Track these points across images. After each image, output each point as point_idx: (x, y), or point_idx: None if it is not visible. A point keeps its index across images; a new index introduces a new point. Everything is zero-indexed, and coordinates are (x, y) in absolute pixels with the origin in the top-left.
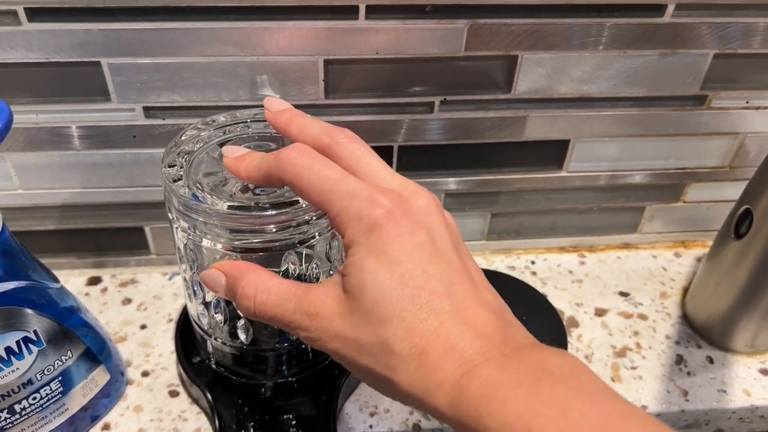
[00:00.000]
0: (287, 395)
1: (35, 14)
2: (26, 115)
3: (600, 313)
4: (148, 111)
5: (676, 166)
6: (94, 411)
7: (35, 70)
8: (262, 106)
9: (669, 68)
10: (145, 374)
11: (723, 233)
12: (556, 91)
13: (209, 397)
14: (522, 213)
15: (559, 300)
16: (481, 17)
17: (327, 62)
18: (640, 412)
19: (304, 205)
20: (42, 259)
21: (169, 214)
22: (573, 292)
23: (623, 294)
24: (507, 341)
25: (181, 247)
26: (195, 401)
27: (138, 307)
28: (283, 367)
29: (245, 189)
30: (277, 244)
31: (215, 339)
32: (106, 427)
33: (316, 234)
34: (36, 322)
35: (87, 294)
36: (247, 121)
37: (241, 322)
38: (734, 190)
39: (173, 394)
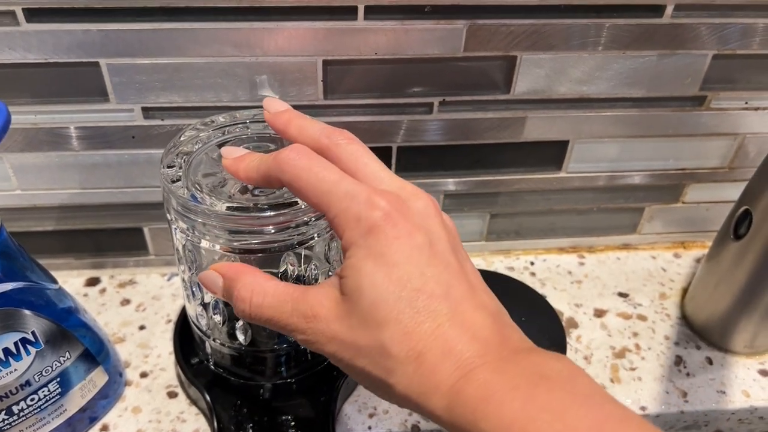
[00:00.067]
0: (286, 396)
1: (34, 15)
2: (25, 116)
3: (599, 313)
4: (147, 111)
5: (675, 166)
6: (92, 412)
7: (34, 71)
8: (261, 106)
9: (668, 69)
10: (143, 375)
11: (722, 234)
12: (555, 91)
13: (208, 398)
14: (521, 214)
15: (558, 301)
16: (480, 18)
17: (326, 63)
18: (637, 417)
19: (303, 207)
20: (40, 259)
21: (168, 215)
22: (572, 293)
23: (622, 295)
24: (504, 344)
25: (180, 248)
26: (194, 402)
27: (137, 308)
28: (282, 369)
29: (244, 190)
30: (275, 245)
31: (214, 340)
32: (105, 428)
33: (315, 235)
34: (34, 323)
35: (85, 295)
36: (246, 122)
37: (240, 323)
38: (733, 191)
39: (172, 395)
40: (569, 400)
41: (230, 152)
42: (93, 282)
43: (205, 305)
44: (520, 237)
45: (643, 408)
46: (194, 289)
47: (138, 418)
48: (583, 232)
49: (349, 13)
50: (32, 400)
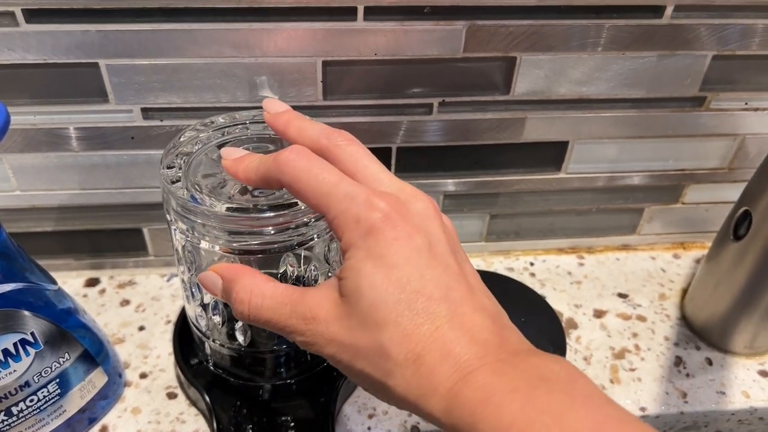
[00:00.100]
0: (285, 397)
1: (33, 15)
2: (24, 117)
3: (599, 314)
4: (146, 112)
5: (675, 167)
6: (91, 413)
7: (33, 72)
8: (260, 107)
9: (668, 69)
10: (143, 376)
11: (722, 235)
12: (554, 92)
13: (207, 398)
14: (521, 214)
15: (557, 301)
16: (479, 18)
17: (325, 63)
18: (636, 419)
19: (302, 207)
20: (40, 260)
21: (168, 216)
22: (572, 294)
23: (622, 295)
24: (503, 346)
25: (180, 248)
26: (193, 403)
27: (136, 309)
28: (282, 369)
29: (244, 191)
30: (275, 246)
31: (213, 341)
32: (104, 429)
33: (315, 236)
34: (33, 324)
35: (85, 295)
36: (246, 123)
37: (239, 324)
38: (733, 192)
39: (171, 395)
40: (568, 402)
41: (230, 153)
42: (92, 283)
43: (204, 306)
44: (520, 238)
45: (642, 409)
46: (194, 289)
47: (137, 419)
48: (582, 233)
49: (349, 13)
50: (31, 401)
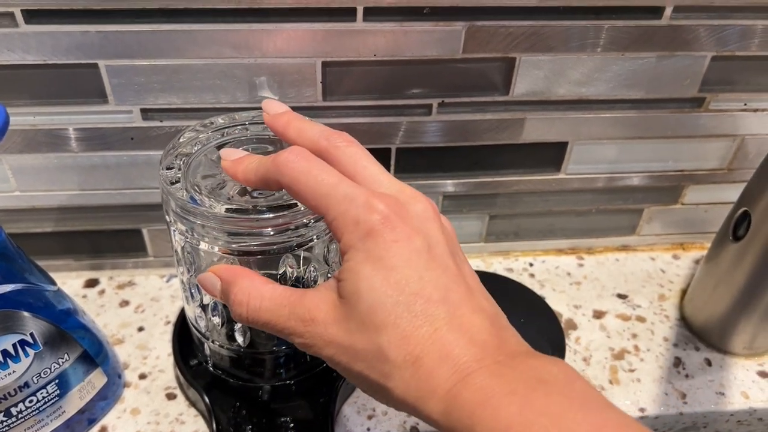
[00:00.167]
0: (285, 398)
1: (33, 16)
2: (23, 117)
3: (598, 315)
4: (146, 113)
5: (674, 168)
6: (91, 414)
7: (32, 72)
8: (260, 108)
9: (667, 70)
10: (142, 377)
11: (721, 235)
12: (554, 93)
13: (207, 399)
14: (520, 215)
15: (557, 302)
16: (478, 19)
17: (325, 64)
18: (634, 422)
19: (302, 209)
20: (39, 261)
21: (167, 217)
22: (571, 294)
23: (621, 296)
24: (501, 348)
25: (179, 249)
26: (192, 404)
27: (135, 310)
28: (281, 370)
29: (243, 192)
30: (274, 247)
31: (213, 342)
32: (103, 430)
33: (314, 237)
34: (32, 325)
35: (84, 296)
36: (245, 124)
37: (239, 325)
38: (732, 192)
39: (170, 396)
40: (566, 405)
41: (229, 154)
42: (92, 283)
43: (204, 307)
44: (519, 238)
45: (642, 409)
46: (193, 290)
47: (137, 420)
48: (582, 234)
49: (348, 14)
50: (31, 401)
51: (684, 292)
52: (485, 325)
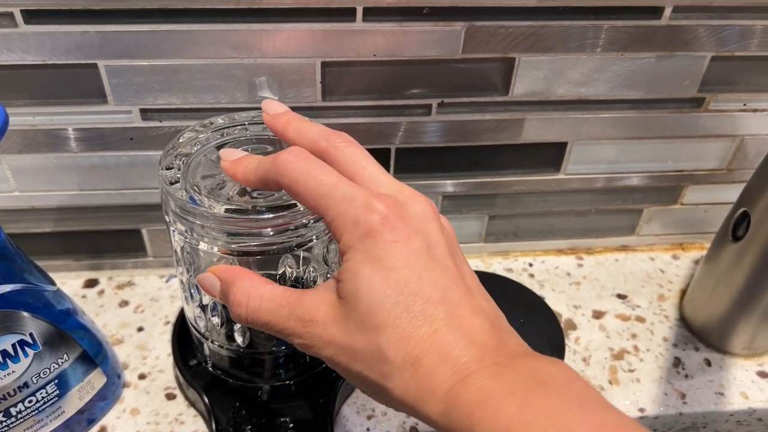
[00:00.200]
0: (284, 398)
1: (32, 16)
2: (23, 117)
3: (598, 315)
4: (145, 113)
5: (673, 168)
6: (90, 414)
7: (32, 72)
8: (259, 108)
9: (666, 71)
10: (141, 377)
11: (720, 235)
12: (553, 93)
13: (206, 400)
14: (519, 215)
15: (556, 302)
16: (478, 20)
17: (324, 64)
18: (633, 422)
19: (301, 209)
20: (38, 261)
21: (166, 217)
22: (571, 295)
23: (621, 296)
24: (501, 349)
25: (178, 249)
26: (192, 404)
27: (135, 310)
28: (281, 370)
29: (243, 192)
30: (274, 247)
31: (212, 342)
32: (103, 430)
33: (314, 237)
34: (32, 325)
35: (84, 296)
36: (245, 124)
37: (238, 325)
38: (732, 193)
39: (170, 396)
40: (566, 405)
41: (228, 154)
42: (91, 283)
43: (203, 307)
44: (519, 238)
45: (641, 410)
46: (192, 291)
47: (136, 420)
48: (581, 234)
49: (348, 14)
50: (30, 402)
51: (683, 293)
52: (484, 326)
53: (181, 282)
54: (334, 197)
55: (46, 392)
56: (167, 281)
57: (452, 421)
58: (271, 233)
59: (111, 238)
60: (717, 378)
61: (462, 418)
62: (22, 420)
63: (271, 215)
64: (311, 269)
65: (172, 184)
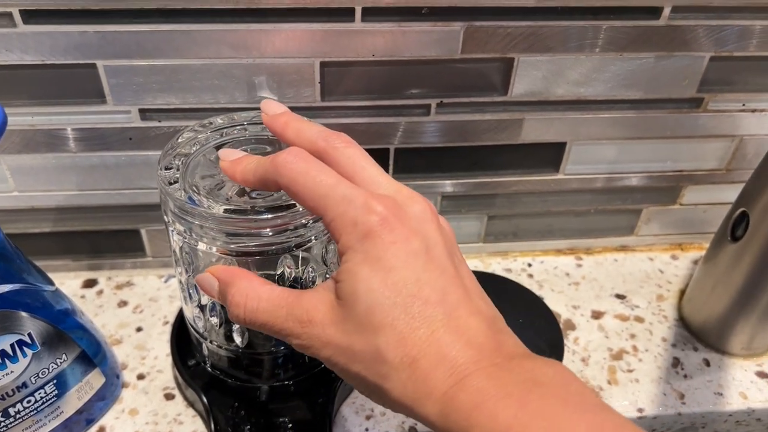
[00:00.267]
0: (283, 398)
1: (31, 16)
2: (22, 117)
3: (596, 315)
4: (144, 113)
5: (672, 168)
6: (89, 414)
7: (31, 72)
8: (258, 108)
9: (665, 71)
10: (140, 377)
11: (719, 236)
12: (552, 93)
13: (205, 400)
14: (518, 215)
15: (555, 302)
16: (477, 20)
17: (323, 64)
18: (630, 423)
19: (300, 209)
20: (37, 261)
21: (165, 217)
22: (569, 295)
23: (620, 296)
24: (498, 350)
25: (177, 250)
26: (191, 404)
27: (134, 310)
28: (279, 370)
29: (242, 192)
30: (273, 247)
31: (211, 342)
32: (102, 430)
33: (313, 237)
34: (30, 325)
35: (82, 296)
36: (244, 124)
37: (237, 325)
38: (731, 193)
39: (169, 397)
40: (562, 407)
41: (227, 154)
42: (90, 284)
43: (202, 307)
44: (518, 239)
45: (640, 410)
46: (191, 291)
47: (135, 420)
48: (580, 234)
49: (347, 14)
50: (29, 402)
51: (682, 293)
52: (482, 327)
53: (180, 282)
54: (333, 198)
55: (45, 392)
56: (166, 281)
57: (449, 423)
58: (270, 233)
59: (110, 238)
60: (716, 378)
61: (459, 419)
62: (21, 420)
63: (270, 215)
64: (310, 269)
65: (171, 184)
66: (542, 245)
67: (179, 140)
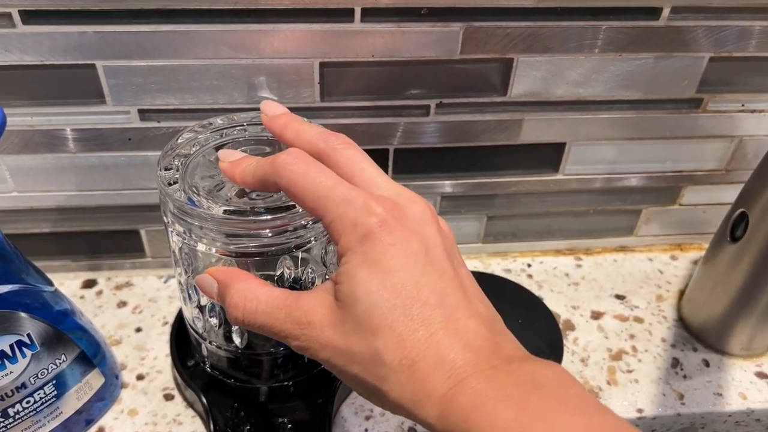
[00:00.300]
0: (283, 399)
1: (30, 17)
2: (21, 118)
3: (596, 316)
4: (144, 114)
5: (672, 169)
6: (88, 414)
7: (30, 73)
8: (258, 109)
9: (665, 71)
10: (140, 377)
11: (719, 236)
12: (551, 94)
13: (204, 400)
14: (518, 216)
15: (555, 303)
16: (476, 20)
17: (322, 65)
18: (628, 426)
19: (300, 210)
20: (37, 262)
21: (165, 218)
22: (569, 295)
23: (619, 297)
24: (497, 353)
25: (177, 250)
26: (190, 405)
27: (133, 310)
28: (279, 371)
29: (241, 193)
30: (272, 248)
31: (210, 342)
32: (101, 430)
33: (312, 238)
34: (30, 326)
35: (82, 297)
36: (243, 124)
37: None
38: (730, 193)
39: (168, 397)
40: (561, 409)
41: (227, 155)
42: (89, 284)
43: (201, 308)
44: (517, 239)
45: (639, 410)
46: (191, 291)
47: (134, 421)
48: (580, 234)
49: (346, 15)
50: (28, 402)
51: (682, 293)
52: (481, 330)
53: (180, 283)
54: (332, 199)
55: (44, 393)
56: (165, 282)
57: (448, 425)
58: (270, 234)
59: (109, 239)
60: (715, 378)
61: (458, 422)
62: (20, 421)
63: (269, 216)
64: (309, 270)
65: (170, 184)
66: (542, 246)
67: (179, 141)
